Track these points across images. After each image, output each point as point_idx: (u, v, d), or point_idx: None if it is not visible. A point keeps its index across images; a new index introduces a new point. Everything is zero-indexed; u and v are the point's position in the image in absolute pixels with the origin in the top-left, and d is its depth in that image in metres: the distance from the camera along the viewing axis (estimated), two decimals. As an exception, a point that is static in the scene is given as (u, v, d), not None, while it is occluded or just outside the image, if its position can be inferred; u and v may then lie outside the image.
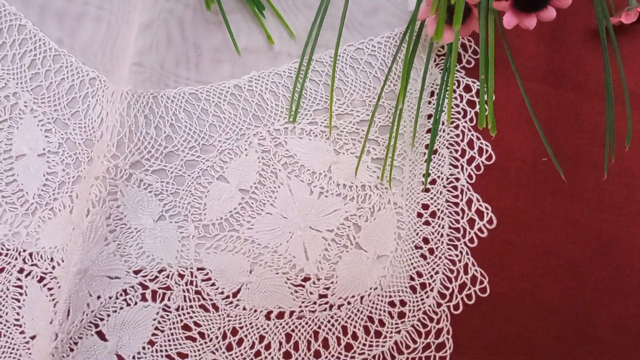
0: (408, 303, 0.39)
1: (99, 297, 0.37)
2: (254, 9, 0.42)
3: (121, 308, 0.37)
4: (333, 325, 0.38)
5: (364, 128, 0.41)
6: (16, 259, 0.38)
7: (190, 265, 0.38)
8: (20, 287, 0.38)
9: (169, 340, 0.37)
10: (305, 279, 0.38)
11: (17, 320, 0.37)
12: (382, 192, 0.40)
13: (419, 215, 0.40)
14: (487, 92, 0.34)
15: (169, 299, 0.38)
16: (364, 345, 0.38)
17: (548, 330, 0.39)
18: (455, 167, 0.41)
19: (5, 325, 0.37)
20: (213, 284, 0.38)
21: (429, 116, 0.42)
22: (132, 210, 0.38)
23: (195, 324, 0.38)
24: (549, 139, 0.41)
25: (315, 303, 0.38)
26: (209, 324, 0.37)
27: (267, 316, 0.38)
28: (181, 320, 0.38)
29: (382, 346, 0.38)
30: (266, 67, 0.42)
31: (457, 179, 0.41)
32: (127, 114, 0.38)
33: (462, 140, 0.42)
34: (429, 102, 0.42)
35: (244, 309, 0.38)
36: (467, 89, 0.42)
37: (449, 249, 0.40)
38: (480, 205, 0.40)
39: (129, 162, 0.38)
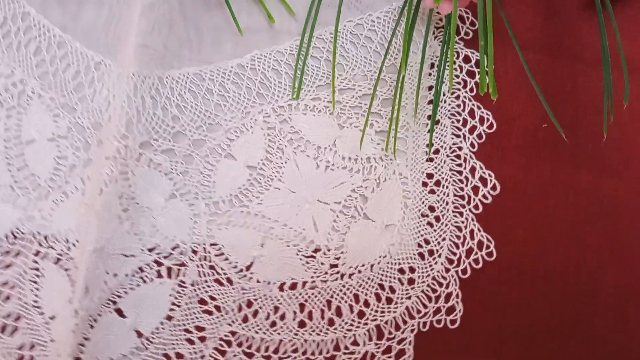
0: (417, 269, 0.39)
1: (115, 275, 0.37)
2: (254, -12, 0.42)
3: (138, 285, 0.38)
4: (345, 293, 0.39)
5: (366, 102, 0.42)
6: (32, 242, 0.39)
7: (203, 241, 0.39)
8: (37, 269, 0.38)
9: (186, 315, 0.38)
10: (316, 250, 0.39)
11: (35, 302, 0.38)
12: (387, 164, 0.41)
13: (424, 184, 0.41)
14: (487, 59, 0.35)
15: (184, 275, 0.38)
16: (376, 311, 0.39)
17: (553, 294, 0.40)
18: (458, 136, 0.42)
19: (24, 307, 0.38)
20: (226, 259, 0.39)
21: (430, 87, 0.43)
22: (143, 189, 0.39)
23: (211, 297, 0.38)
24: (549, 105, 0.42)
25: (326, 273, 0.39)
26: (224, 298, 0.38)
27: (281, 287, 0.39)
28: (197, 295, 0.38)
29: (394, 312, 0.39)
30: (268, 45, 0.43)
31: (460, 148, 0.42)
32: (135, 95, 0.38)
33: (464, 110, 0.42)
34: (430, 74, 0.43)
35: (258, 281, 0.39)
36: (467, 59, 0.43)
37: (454, 215, 0.41)
38: (484, 173, 0.41)
39: (138, 142, 0.39)
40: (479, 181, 0.41)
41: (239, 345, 0.38)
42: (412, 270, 0.39)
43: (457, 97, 0.43)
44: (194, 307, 0.38)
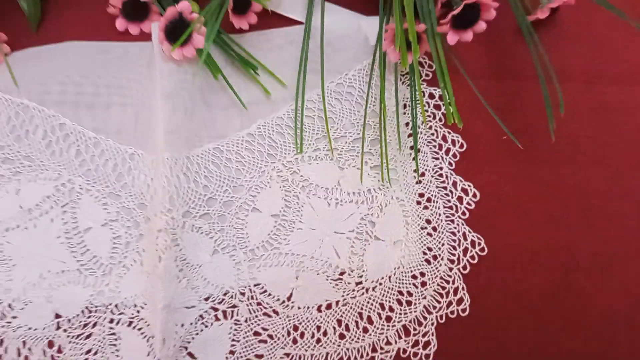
0: (426, 273, 0.48)
1: (182, 325, 0.45)
2: (249, 70, 0.51)
3: (201, 330, 0.45)
4: (372, 304, 0.47)
5: (358, 145, 0.51)
6: (105, 312, 0.46)
7: (247, 283, 0.47)
8: (114, 334, 0.45)
9: (246, 347, 0.45)
10: (342, 273, 0.47)
11: (116, 362, 0.45)
12: (385, 192, 0.49)
13: (418, 202, 0.50)
14: (448, 95, 0.44)
15: (237, 314, 0.46)
16: (400, 314, 0.47)
17: (539, 270, 0.48)
18: (437, 159, 0.51)
19: (108, 368, 0.45)
20: (269, 294, 0.47)
21: (407, 124, 0.52)
22: (191, 250, 0.47)
23: (263, 328, 0.46)
24: (503, 121, 0.51)
25: (354, 290, 0.47)
26: (274, 327, 0.46)
27: (319, 309, 0.46)
28: (251, 329, 0.46)
29: (414, 312, 0.47)
30: (269, 114, 0.51)
31: (441, 168, 0.50)
32: (171, 175, 0.46)
33: (437, 137, 0.51)
34: (404, 113, 0.52)
35: (299, 308, 0.46)
36: (431, 96, 0.53)
37: (447, 224, 0.49)
38: (464, 185, 0.50)
39: (180, 213, 0.47)
40: (461, 192, 0.50)
41: (294, 364, 0.46)
42: (422, 274, 0.48)
43: (430, 128, 0.52)
44: (250, 339, 0.46)
